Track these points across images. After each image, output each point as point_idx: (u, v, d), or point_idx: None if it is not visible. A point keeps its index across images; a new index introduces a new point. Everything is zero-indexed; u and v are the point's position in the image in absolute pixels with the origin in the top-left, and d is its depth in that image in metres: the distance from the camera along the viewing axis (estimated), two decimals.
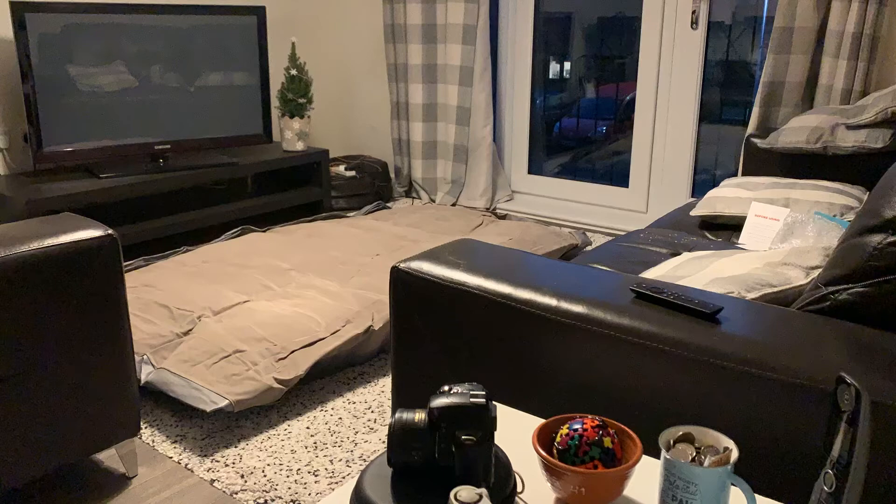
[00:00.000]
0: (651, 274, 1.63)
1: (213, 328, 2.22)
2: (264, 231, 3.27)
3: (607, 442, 0.93)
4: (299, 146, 3.87)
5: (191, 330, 2.25)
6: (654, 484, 0.99)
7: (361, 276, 2.63)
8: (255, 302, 2.40)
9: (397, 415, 0.91)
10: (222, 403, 1.94)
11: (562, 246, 3.09)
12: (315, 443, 1.98)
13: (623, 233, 3.38)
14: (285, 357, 2.12)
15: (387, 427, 1.86)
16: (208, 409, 1.94)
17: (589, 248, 3.27)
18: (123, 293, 1.68)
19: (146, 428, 2.04)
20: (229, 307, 2.37)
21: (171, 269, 2.68)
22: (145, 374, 2.10)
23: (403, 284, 1.44)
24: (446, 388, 0.92)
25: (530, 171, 4.16)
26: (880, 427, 0.97)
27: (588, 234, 3.76)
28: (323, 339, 2.21)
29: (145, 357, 2.13)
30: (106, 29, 3.16)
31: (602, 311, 1.22)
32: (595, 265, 1.87)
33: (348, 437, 2.01)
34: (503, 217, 3.97)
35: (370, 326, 2.30)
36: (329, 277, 2.62)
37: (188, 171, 3.34)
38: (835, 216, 2.19)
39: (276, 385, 2.03)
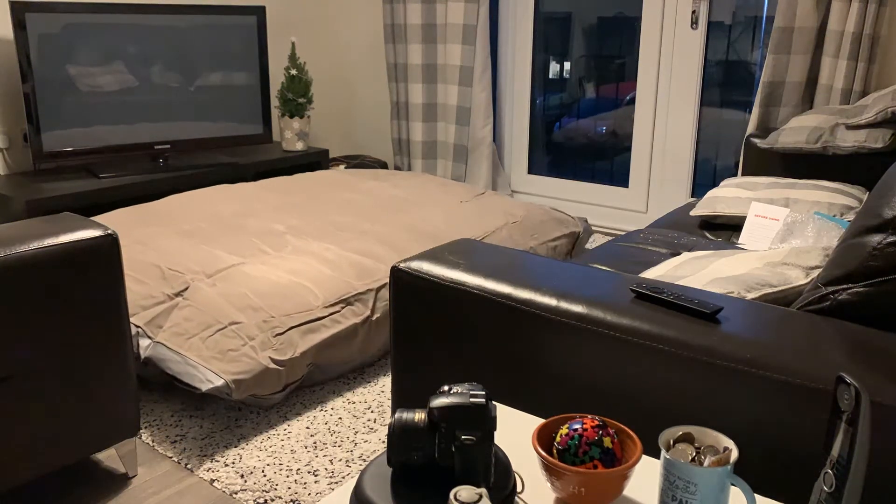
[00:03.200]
0: (651, 274, 1.63)
1: (208, 293, 2.18)
2: (257, 182, 3.26)
3: (607, 442, 0.93)
4: (299, 146, 3.87)
5: (183, 291, 2.21)
6: (654, 484, 0.99)
7: (361, 242, 2.57)
8: (249, 265, 2.34)
9: (397, 415, 0.91)
10: (218, 383, 1.92)
11: (563, 233, 3.07)
12: (315, 443, 1.98)
13: (623, 233, 3.38)
14: (283, 333, 2.09)
15: (387, 427, 1.86)
16: (203, 388, 1.92)
17: (591, 237, 3.25)
18: (123, 293, 1.68)
19: (146, 428, 2.04)
20: (223, 269, 2.31)
21: (165, 228, 2.62)
22: (143, 348, 2.07)
23: (403, 284, 1.44)
24: (446, 388, 0.92)
25: (530, 171, 4.16)
26: (880, 427, 0.97)
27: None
28: (321, 318, 2.18)
29: (141, 330, 2.11)
30: (106, 29, 3.17)
31: (602, 311, 1.22)
32: (595, 265, 1.87)
33: (348, 437, 2.01)
34: None
35: (369, 316, 2.27)
36: (327, 241, 2.55)
37: (188, 171, 3.34)
38: (835, 216, 2.19)
39: (271, 365, 2.00)
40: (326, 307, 2.21)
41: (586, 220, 3.29)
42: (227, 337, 2.05)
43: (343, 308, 2.24)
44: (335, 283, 2.29)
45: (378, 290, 2.35)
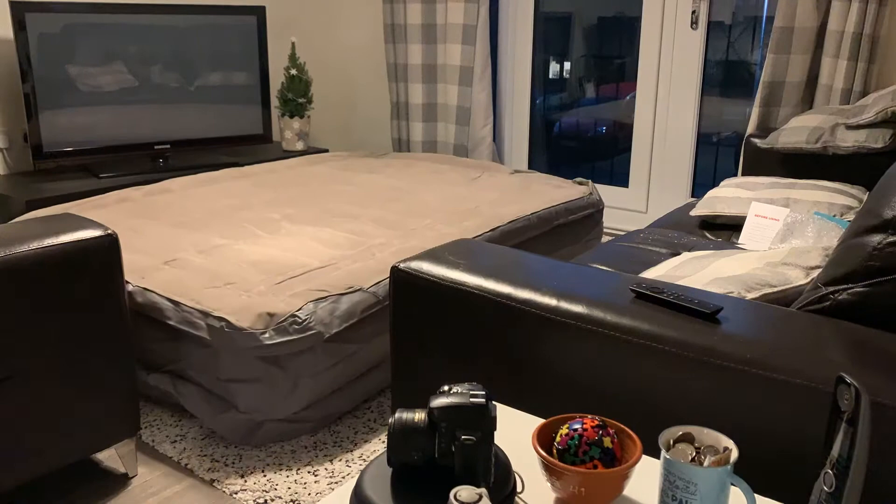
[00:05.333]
0: (651, 274, 1.63)
1: (200, 262, 2.16)
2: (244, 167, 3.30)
3: (607, 442, 0.93)
4: (299, 146, 3.87)
5: (172, 261, 2.18)
6: (654, 484, 0.99)
7: (355, 223, 2.56)
8: (243, 244, 2.34)
9: (397, 415, 0.91)
10: (217, 325, 1.87)
11: (565, 186, 3.08)
12: (315, 443, 1.98)
13: (623, 233, 3.38)
14: (282, 282, 2.05)
15: (387, 427, 1.86)
16: (207, 335, 1.89)
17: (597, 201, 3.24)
18: (123, 293, 1.68)
19: (146, 428, 2.04)
20: (215, 247, 2.30)
21: (158, 220, 2.62)
22: (133, 295, 2.04)
23: (403, 284, 1.44)
24: (446, 388, 0.92)
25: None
26: (880, 427, 0.97)
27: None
28: (320, 268, 2.14)
29: (128, 283, 2.06)
30: (106, 29, 3.17)
31: (602, 311, 1.22)
32: (595, 265, 1.87)
33: (348, 437, 2.01)
34: None
35: (369, 259, 2.21)
36: (321, 226, 2.55)
37: (188, 171, 3.34)
38: (835, 216, 2.19)
39: (272, 303, 1.93)
40: (322, 261, 2.20)
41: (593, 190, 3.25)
42: (224, 290, 2.00)
43: (340, 261, 2.21)
44: (329, 253, 2.27)
45: (374, 246, 2.32)
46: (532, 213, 2.74)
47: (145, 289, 2.03)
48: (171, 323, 1.96)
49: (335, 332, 1.95)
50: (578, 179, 3.25)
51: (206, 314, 1.90)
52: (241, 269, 2.13)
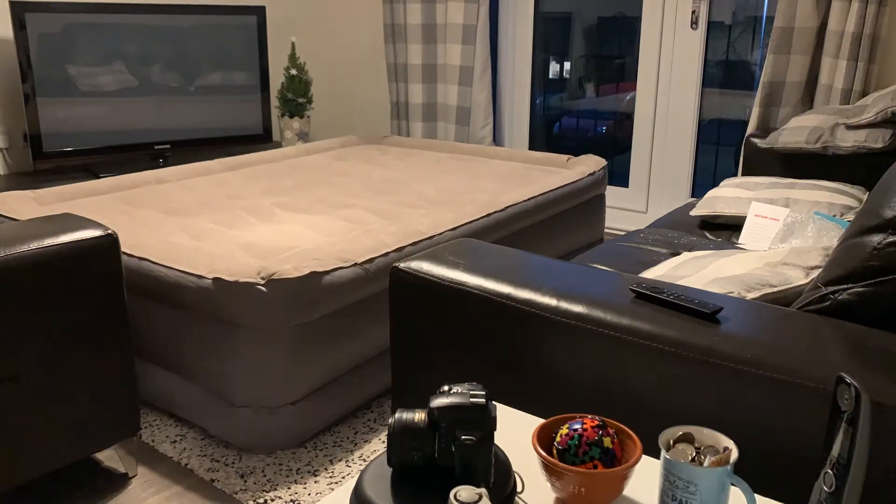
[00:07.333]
0: (651, 274, 1.63)
1: (193, 245, 2.16)
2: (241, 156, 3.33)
3: (607, 442, 0.93)
4: (299, 146, 3.87)
5: (166, 243, 2.20)
6: (654, 484, 0.99)
7: (349, 211, 2.56)
8: (236, 230, 2.34)
9: (397, 415, 0.91)
10: (208, 284, 1.87)
11: (561, 160, 3.20)
12: (315, 443, 1.98)
13: (623, 233, 3.38)
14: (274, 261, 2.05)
15: (387, 427, 1.86)
16: (202, 295, 1.88)
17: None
18: (123, 293, 1.68)
19: (146, 428, 2.04)
20: (207, 232, 2.31)
21: (152, 207, 2.63)
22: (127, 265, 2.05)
23: (403, 284, 1.44)
24: (446, 388, 0.92)
25: None
26: (880, 427, 0.97)
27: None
28: (313, 249, 2.12)
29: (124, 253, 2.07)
30: (106, 29, 3.17)
31: (602, 311, 1.22)
32: (595, 265, 1.87)
33: (348, 437, 2.01)
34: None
35: (366, 264, 2.15)
36: (314, 214, 2.55)
37: None
38: (835, 216, 2.19)
39: (263, 270, 1.91)
40: (316, 245, 2.19)
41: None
42: (218, 263, 2.00)
43: (334, 244, 2.20)
44: (323, 239, 2.27)
45: (368, 231, 2.31)
46: (529, 199, 2.75)
47: (140, 258, 2.02)
48: (166, 287, 1.95)
49: (327, 309, 1.94)
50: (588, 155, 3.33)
51: (200, 277, 1.90)
52: (234, 251, 2.13)
